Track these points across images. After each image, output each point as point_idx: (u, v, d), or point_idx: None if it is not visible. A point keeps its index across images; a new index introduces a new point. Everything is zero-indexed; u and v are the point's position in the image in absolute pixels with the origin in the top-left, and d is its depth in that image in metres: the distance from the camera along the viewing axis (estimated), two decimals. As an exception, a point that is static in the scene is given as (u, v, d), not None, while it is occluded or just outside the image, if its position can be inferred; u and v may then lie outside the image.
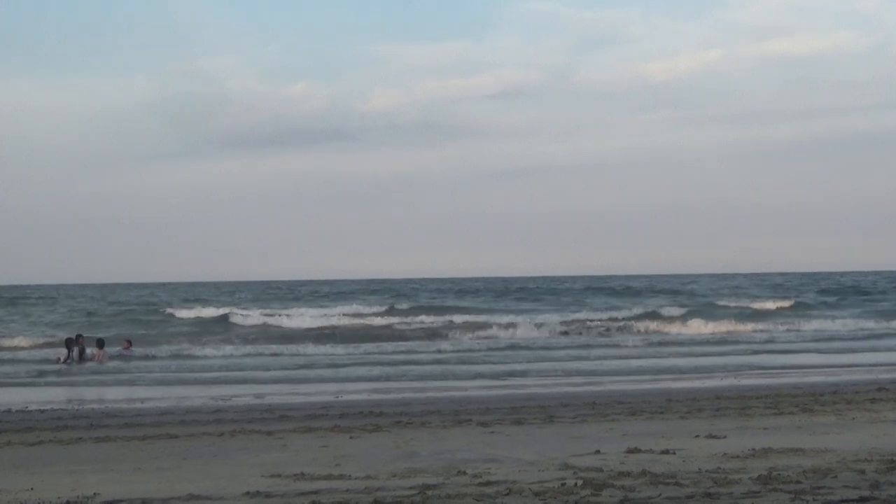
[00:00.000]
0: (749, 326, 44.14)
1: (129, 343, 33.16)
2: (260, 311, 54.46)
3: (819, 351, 32.02)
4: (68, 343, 30.91)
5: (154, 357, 31.37)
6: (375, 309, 56.00)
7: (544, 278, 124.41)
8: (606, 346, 35.66)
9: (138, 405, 18.58)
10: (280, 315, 50.93)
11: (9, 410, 17.71)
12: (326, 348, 34.74)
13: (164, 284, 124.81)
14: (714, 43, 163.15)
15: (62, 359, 30.07)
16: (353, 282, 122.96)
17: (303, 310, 54.90)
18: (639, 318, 47.71)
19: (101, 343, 31.42)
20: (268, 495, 8.68)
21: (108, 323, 48.25)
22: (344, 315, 51.68)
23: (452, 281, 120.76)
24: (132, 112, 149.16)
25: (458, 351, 32.77)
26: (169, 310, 56.22)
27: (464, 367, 26.91)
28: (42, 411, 17.38)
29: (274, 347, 35.23)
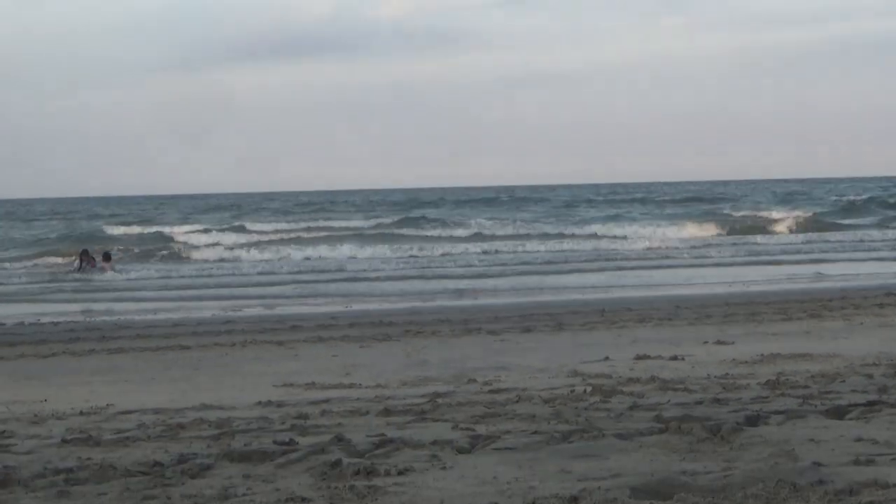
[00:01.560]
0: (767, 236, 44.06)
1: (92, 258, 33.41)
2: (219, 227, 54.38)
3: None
4: (83, 255, 32.27)
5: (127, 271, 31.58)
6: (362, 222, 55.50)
7: (551, 187, 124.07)
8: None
9: (150, 317, 18.69)
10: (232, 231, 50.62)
11: (21, 323, 17.82)
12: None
13: (155, 197, 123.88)
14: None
15: (76, 268, 31.31)
16: (354, 192, 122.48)
17: (257, 224, 54.68)
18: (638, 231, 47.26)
19: (107, 256, 32.49)
20: (280, 404, 8.74)
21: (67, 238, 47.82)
22: (313, 227, 51.44)
23: (455, 190, 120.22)
24: (132, 23, 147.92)
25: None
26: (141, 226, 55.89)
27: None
28: (55, 324, 17.49)
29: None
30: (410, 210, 68.45)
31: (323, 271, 30.41)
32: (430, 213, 64.67)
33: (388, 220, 56.26)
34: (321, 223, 55.60)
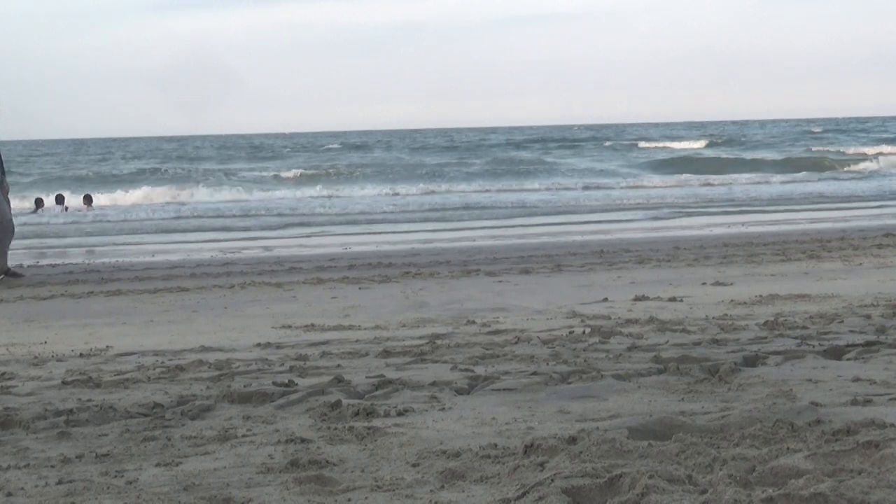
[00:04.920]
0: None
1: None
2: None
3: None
4: (58, 198, 33.26)
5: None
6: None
7: (551, 127, 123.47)
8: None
9: (148, 259, 18.69)
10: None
11: (20, 265, 17.82)
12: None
13: (165, 138, 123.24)
14: None
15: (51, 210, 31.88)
16: (350, 133, 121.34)
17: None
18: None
19: (88, 199, 33.30)
20: (279, 346, 8.77)
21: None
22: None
23: (445, 132, 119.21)
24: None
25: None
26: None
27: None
28: (53, 266, 17.49)
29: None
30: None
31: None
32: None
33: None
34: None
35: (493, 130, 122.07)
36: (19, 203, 36.28)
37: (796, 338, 8.19)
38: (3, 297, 13.26)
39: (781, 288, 11.59)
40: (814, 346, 7.74)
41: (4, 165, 15.97)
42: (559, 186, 40.85)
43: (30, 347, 9.17)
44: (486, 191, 39.37)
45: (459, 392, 6.59)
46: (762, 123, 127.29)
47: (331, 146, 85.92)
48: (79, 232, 26.34)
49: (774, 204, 30.64)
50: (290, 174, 49.63)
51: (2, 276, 15.25)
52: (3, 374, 7.70)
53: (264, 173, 50.14)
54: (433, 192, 38.98)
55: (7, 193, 16.10)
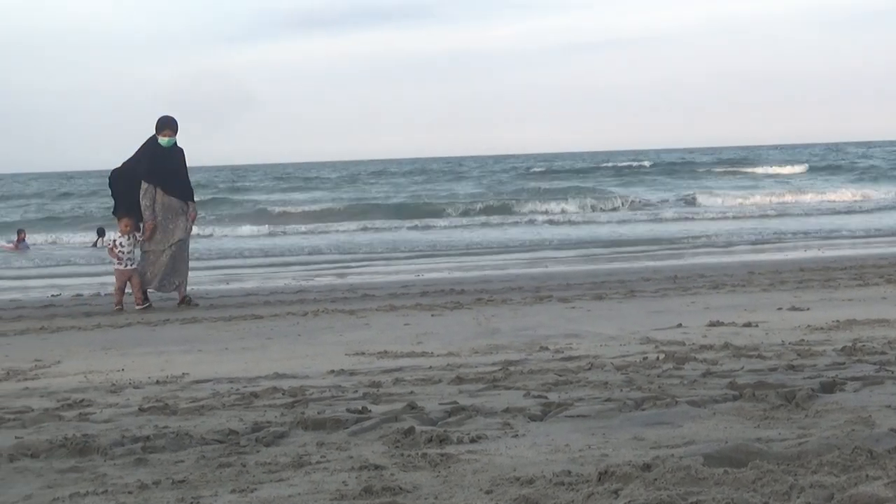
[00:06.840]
0: None
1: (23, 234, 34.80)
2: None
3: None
4: (99, 232, 34.76)
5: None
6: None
7: (616, 153, 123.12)
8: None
9: (222, 286, 18.88)
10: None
11: (97, 294, 18.09)
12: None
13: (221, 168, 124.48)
14: None
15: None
16: (416, 160, 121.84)
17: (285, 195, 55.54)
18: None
19: (100, 231, 34.60)
20: (352, 373, 8.80)
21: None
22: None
23: (513, 158, 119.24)
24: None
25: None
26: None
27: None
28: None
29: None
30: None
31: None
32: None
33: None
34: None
35: (559, 156, 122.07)
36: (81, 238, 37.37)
37: (875, 363, 8.05)
38: (82, 325, 13.47)
39: (859, 313, 11.41)
40: (893, 372, 7.61)
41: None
42: (634, 218, 40.44)
43: (107, 375, 9.29)
44: (566, 222, 39.18)
45: (533, 419, 6.57)
46: (829, 146, 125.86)
47: (393, 172, 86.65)
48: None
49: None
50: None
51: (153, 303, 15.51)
52: (82, 400, 7.82)
53: (315, 206, 50.56)
54: (502, 224, 38.88)
55: (194, 221, 16.01)
